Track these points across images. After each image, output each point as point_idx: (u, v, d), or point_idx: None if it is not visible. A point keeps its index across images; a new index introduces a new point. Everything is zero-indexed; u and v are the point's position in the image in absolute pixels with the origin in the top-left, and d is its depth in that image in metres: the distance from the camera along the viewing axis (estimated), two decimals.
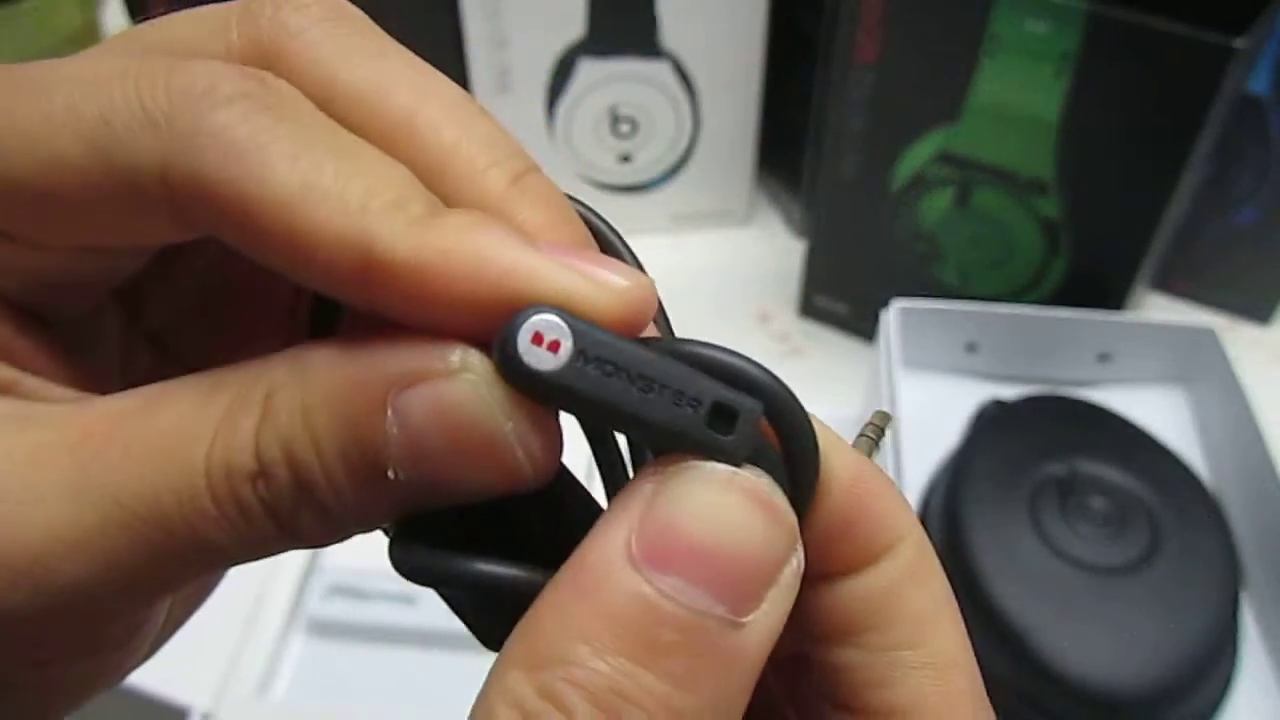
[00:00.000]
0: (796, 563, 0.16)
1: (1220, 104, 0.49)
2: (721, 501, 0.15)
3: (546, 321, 0.15)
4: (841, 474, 0.18)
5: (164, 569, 0.16)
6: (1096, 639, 0.45)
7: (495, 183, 0.17)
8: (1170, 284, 0.69)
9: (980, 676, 0.18)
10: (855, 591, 0.18)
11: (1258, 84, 0.58)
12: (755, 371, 0.16)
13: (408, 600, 0.51)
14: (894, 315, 0.56)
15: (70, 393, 0.18)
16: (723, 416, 0.15)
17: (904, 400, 0.55)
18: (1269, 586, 0.50)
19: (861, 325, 0.66)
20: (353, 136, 0.16)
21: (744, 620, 0.15)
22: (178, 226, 0.16)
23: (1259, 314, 0.67)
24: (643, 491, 0.16)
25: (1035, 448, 0.51)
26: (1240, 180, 0.62)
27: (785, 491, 0.16)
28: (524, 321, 0.15)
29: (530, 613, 0.15)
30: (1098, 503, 0.49)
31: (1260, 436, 0.51)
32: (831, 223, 0.63)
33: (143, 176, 0.15)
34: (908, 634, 0.18)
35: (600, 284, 0.15)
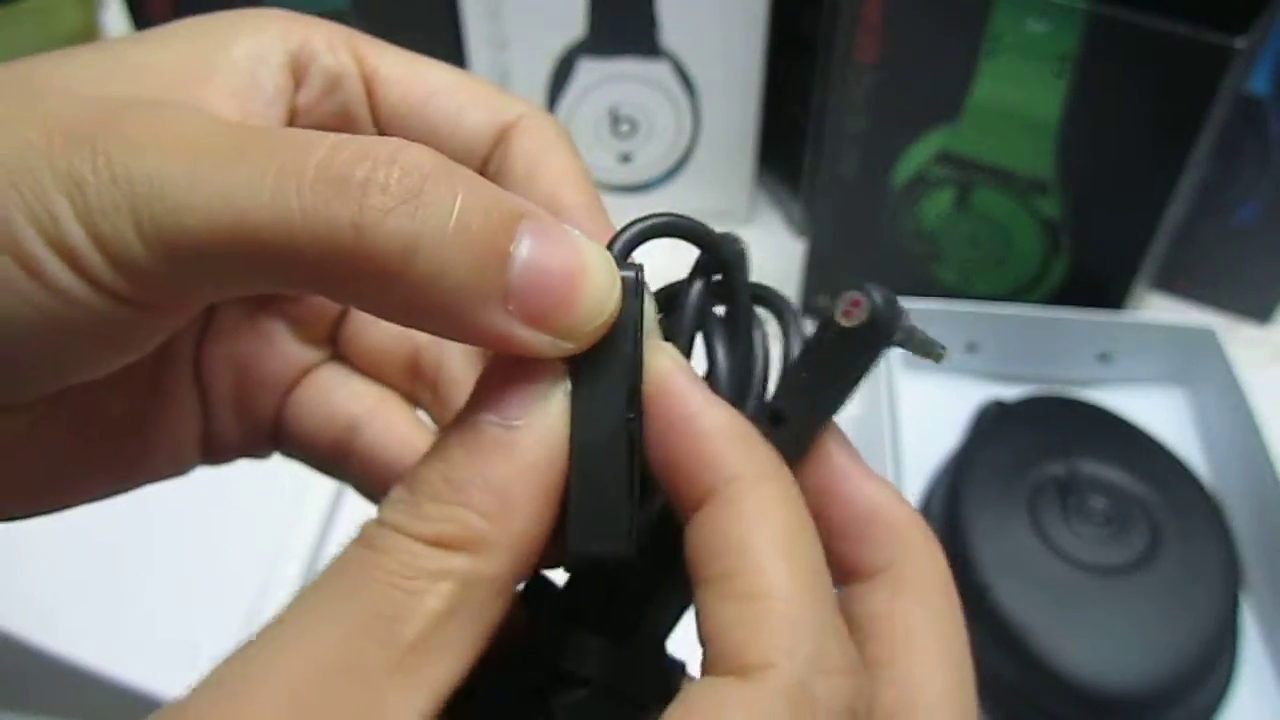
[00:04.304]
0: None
1: (1220, 104, 0.49)
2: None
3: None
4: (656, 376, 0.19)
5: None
6: (1096, 639, 0.45)
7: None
8: (1170, 284, 0.68)
9: (806, 606, 0.17)
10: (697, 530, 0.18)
11: (1258, 84, 0.58)
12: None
13: None
14: None
15: None
16: None
17: (904, 400, 0.55)
18: (1269, 586, 0.50)
19: None
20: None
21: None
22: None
23: (1259, 314, 0.67)
24: None
25: (1035, 448, 0.51)
26: (1240, 180, 0.61)
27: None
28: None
29: None
30: (1098, 503, 0.49)
31: (1260, 436, 0.51)
32: (831, 223, 0.63)
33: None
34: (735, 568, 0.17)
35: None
